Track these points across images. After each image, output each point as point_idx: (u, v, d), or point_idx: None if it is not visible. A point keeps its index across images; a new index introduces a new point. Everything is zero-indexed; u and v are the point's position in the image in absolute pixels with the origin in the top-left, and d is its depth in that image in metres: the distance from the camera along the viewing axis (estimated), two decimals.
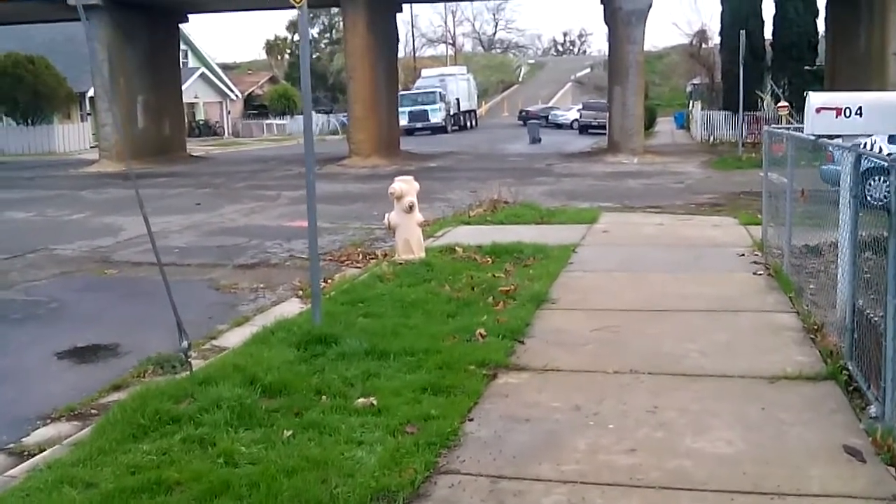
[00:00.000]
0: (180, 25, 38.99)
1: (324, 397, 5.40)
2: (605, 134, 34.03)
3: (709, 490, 4.08)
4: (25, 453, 5.06)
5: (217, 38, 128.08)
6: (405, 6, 41.29)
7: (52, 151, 41.75)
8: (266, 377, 5.64)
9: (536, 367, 6.06)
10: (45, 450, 4.99)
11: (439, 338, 6.66)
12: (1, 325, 8.35)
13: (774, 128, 10.76)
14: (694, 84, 52.41)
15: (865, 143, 6.26)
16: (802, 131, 7.37)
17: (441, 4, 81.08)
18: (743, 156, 26.59)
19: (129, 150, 30.15)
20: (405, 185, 10.07)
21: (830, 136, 6.84)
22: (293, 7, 7.06)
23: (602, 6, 30.80)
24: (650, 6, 28.73)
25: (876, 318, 5.10)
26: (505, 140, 44.16)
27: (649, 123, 44.64)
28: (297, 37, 73.76)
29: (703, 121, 38.31)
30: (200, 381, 5.65)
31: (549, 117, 58.61)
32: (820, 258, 8.02)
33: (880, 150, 5.34)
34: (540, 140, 41.49)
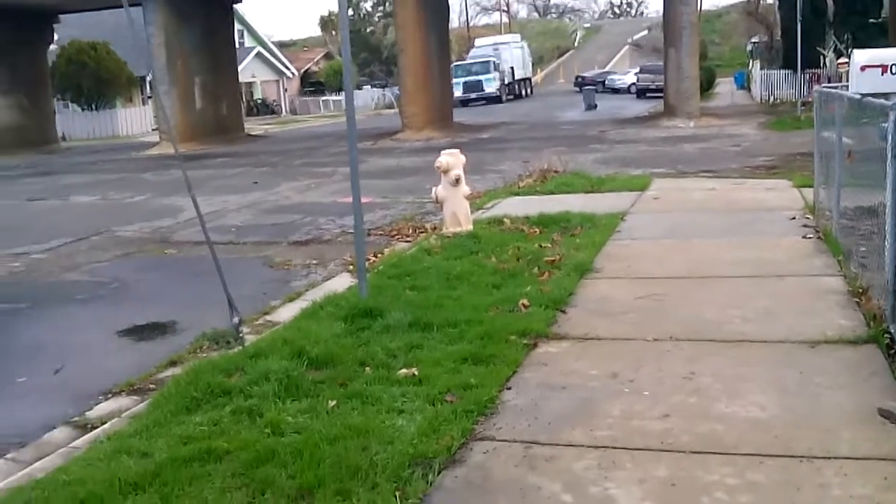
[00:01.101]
0: (235, 6, 39.53)
1: (367, 368, 5.59)
2: (662, 97, 33.54)
3: (738, 454, 4.14)
4: (88, 426, 5.35)
5: (272, 16, 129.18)
6: None
7: (116, 135, 42.96)
8: (313, 350, 5.84)
9: (576, 336, 6.15)
10: (105, 422, 5.27)
11: (482, 309, 6.78)
12: (67, 305, 8.76)
13: (825, 87, 10.55)
14: (754, 43, 51.20)
15: None
16: None
17: None
18: (802, 116, 25.97)
19: (188, 131, 30.90)
20: (451, 159, 10.17)
21: (877, 95, 6.72)
22: None
23: None
24: None
25: None
26: (560, 108, 43.82)
27: (708, 85, 43.85)
28: (351, 12, 74.15)
29: (763, 80, 37.45)
30: (251, 355, 5.88)
31: (606, 82, 57.93)
32: (874, 220, 7.90)
33: None
34: (595, 106, 41.07)
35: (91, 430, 5.21)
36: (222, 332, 6.89)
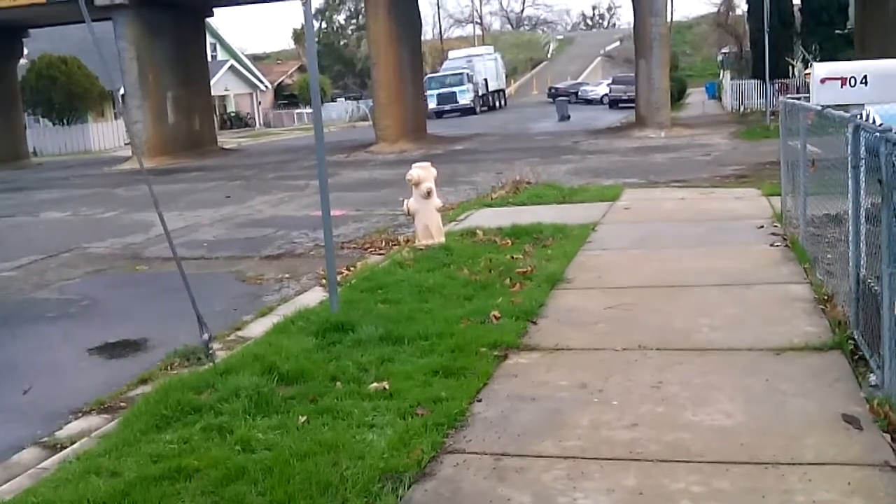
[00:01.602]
0: (207, 19, 39.42)
1: (338, 383, 5.59)
2: (634, 108, 33.84)
3: (705, 461, 4.20)
4: (58, 446, 5.31)
5: (245, 30, 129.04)
6: None
7: (88, 150, 42.65)
8: (284, 366, 5.84)
9: (547, 347, 6.19)
10: (75, 442, 5.23)
11: (454, 321, 6.81)
12: (36, 323, 8.67)
13: (790, 97, 10.73)
14: (724, 53, 51.86)
15: (862, 114, 6.26)
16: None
17: None
18: (771, 125, 26.25)
19: (160, 145, 30.73)
20: (422, 172, 10.20)
21: (838, 106, 6.84)
22: None
23: None
24: None
25: (876, 288, 5.15)
26: (533, 119, 44.05)
27: (679, 95, 44.31)
28: (324, 25, 74.15)
29: (733, 90, 37.92)
30: (222, 372, 5.86)
31: (579, 93, 58.35)
32: (839, 227, 8.02)
33: (874, 120, 5.37)
34: (569, 117, 41.36)
35: (60, 451, 5.17)
36: (193, 349, 6.86)
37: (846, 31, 33.95)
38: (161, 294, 9.74)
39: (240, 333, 7.65)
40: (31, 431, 5.61)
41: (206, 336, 6.11)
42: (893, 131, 4.44)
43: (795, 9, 35.11)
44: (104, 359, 7.44)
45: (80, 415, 5.91)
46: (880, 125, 4.90)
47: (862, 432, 4.38)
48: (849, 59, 24.01)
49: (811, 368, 5.38)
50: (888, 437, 4.29)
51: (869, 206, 5.71)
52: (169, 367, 6.67)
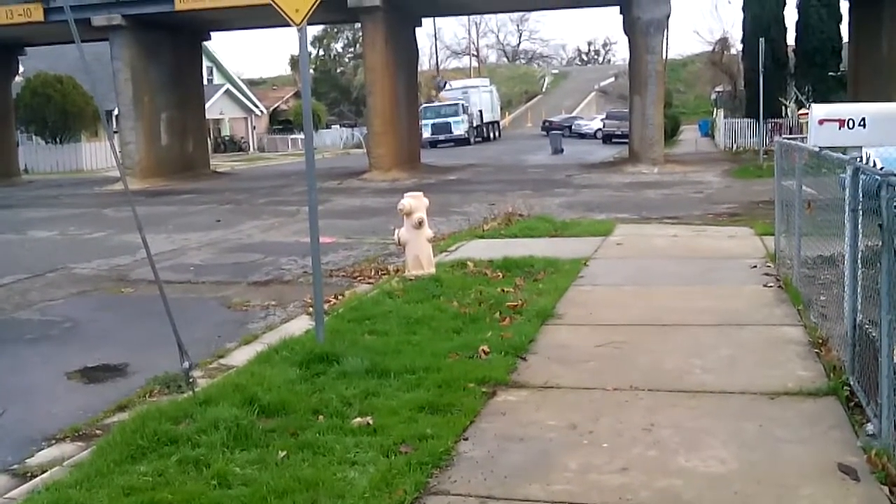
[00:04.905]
0: (204, 42, 39.49)
1: (321, 417, 5.43)
2: (627, 143, 33.96)
3: None
4: (28, 474, 5.12)
5: (243, 55, 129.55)
6: (426, 20, 41.54)
7: (80, 169, 42.44)
8: (265, 397, 5.67)
9: (536, 385, 6.05)
10: (46, 471, 5.05)
11: (442, 355, 6.67)
12: (15, 345, 8.49)
13: (785, 138, 10.70)
14: (718, 92, 52.17)
15: (861, 157, 6.19)
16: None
17: (465, 17, 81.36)
18: (764, 164, 26.34)
19: (153, 167, 30.64)
20: (414, 202, 10.10)
21: (835, 148, 6.77)
22: (313, 24, 7.13)
23: (621, 16, 30.84)
24: (668, 16, 28.69)
25: (874, 334, 5.04)
26: (527, 151, 44.17)
27: (672, 132, 44.52)
28: (322, 52, 74.44)
29: (727, 129, 38.11)
30: (201, 402, 5.70)
31: (573, 127, 58.64)
32: (834, 269, 7.94)
33: (874, 164, 5.30)
34: (562, 150, 41.47)
35: (30, 479, 4.98)
36: (174, 376, 6.70)
37: (839, 73, 34.22)
38: (145, 318, 9.56)
39: (222, 361, 7.49)
40: (1, 458, 5.43)
41: (186, 364, 5.95)
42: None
43: (789, 50, 35.36)
44: (82, 383, 7.26)
45: (53, 442, 5.74)
46: (881, 168, 4.82)
47: (859, 484, 4.25)
48: (841, 101, 24.23)
49: (806, 414, 5.25)
50: (886, 489, 4.15)
51: (863, 248, 5.63)
52: (148, 395, 6.51)
